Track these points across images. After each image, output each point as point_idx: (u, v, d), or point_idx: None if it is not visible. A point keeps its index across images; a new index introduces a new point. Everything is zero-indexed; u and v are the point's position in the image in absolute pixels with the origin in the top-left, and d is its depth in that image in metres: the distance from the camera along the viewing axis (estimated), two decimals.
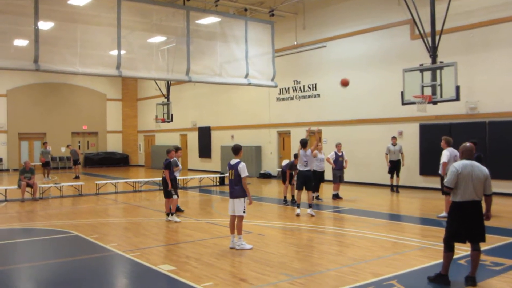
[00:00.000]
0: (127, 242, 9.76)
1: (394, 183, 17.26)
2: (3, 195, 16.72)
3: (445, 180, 6.67)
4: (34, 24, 14.48)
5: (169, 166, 12.13)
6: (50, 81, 33.47)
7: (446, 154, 11.34)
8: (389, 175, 17.34)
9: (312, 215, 12.40)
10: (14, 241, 10.46)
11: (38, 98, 33.38)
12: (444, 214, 11.85)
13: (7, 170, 31.71)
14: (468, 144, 6.77)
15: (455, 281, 6.60)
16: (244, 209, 8.89)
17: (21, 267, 8.15)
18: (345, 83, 14.73)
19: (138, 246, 9.32)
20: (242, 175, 8.78)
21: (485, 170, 6.55)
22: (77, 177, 24.81)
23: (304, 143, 12.80)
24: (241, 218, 8.92)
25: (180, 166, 13.52)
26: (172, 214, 12.05)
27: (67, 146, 28.07)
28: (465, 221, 6.50)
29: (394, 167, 17.08)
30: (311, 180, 12.85)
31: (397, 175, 17.18)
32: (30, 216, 13.42)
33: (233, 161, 9.00)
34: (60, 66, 15.31)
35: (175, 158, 12.84)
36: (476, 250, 6.56)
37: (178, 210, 13.15)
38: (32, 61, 14.46)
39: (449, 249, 6.60)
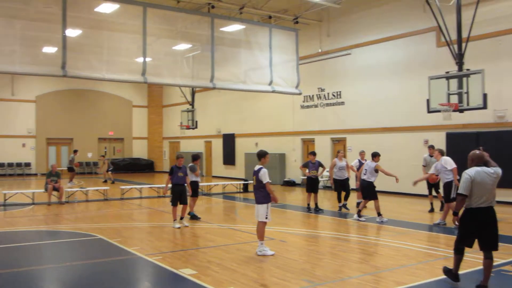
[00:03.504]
0: (149, 246, 9.83)
1: (435, 198, 14.64)
2: (31, 198, 17.02)
3: (459, 188, 6.63)
4: (62, 31, 14.77)
5: (171, 172, 12.21)
6: (77, 88, 34.07)
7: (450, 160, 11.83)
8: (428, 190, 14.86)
9: (382, 222, 12.57)
10: (40, 242, 10.64)
11: (65, 104, 34.01)
12: (439, 221, 12.02)
13: (35, 174, 32.29)
14: (477, 151, 6.79)
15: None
16: (267, 215, 8.87)
17: (46, 268, 8.26)
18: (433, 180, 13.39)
19: (161, 250, 9.38)
20: (264, 181, 8.77)
21: (497, 169, 6.64)
22: (106, 182, 25.59)
23: (373, 155, 13.34)
24: (263, 223, 8.90)
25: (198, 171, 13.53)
26: (174, 221, 12.09)
27: (103, 157, 28.65)
28: (475, 228, 6.55)
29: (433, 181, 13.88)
30: (368, 190, 13.06)
31: (437, 191, 14.48)
32: (56, 219, 13.63)
33: (256, 167, 9.01)
34: (86, 72, 15.57)
35: (192, 164, 12.95)
36: (488, 258, 6.53)
37: (194, 217, 13.14)
38: (59, 67, 14.74)
39: (458, 252, 6.80)
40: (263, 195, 8.84)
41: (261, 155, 9.08)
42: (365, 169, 13.13)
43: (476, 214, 6.51)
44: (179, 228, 11.80)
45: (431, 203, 14.65)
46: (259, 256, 8.68)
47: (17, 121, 32.36)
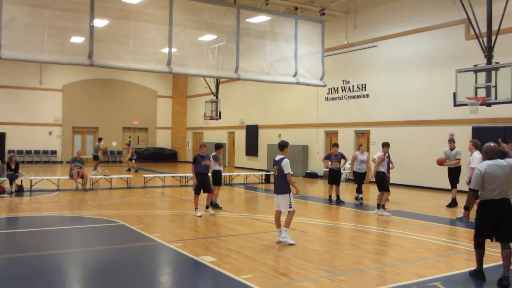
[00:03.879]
0: (171, 233, 9.93)
1: (454, 195, 14.39)
2: (56, 185, 17.34)
3: (470, 183, 6.69)
4: (90, 21, 14.93)
5: (194, 161, 12.28)
6: (103, 77, 34.51)
7: (478, 157, 11.18)
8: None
9: (382, 215, 12.38)
10: (64, 227, 10.86)
11: (91, 94, 34.46)
12: (462, 215, 11.75)
13: (61, 162, 32.85)
14: (492, 144, 6.78)
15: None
16: (291, 204, 8.88)
17: (69, 252, 8.43)
18: (441, 162, 13.92)
19: (182, 237, 9.47)
20: (285, 172, 8.78)
21: (509, 161, 6.60)
22: (130, 170, 26.00)
23: (383, 145, 13.29)
24: (291, 213, 8.94)
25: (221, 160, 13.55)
26: (196, 209, 12.20)
27: (128, 145, 28.91)
28: (492, 219, 6.55)
29: (451, 175, 14.31)
30: (380, 182, 12.79)
31: (454, 185, 14.30)
32: (80, 205, 13.86)
33: (278, 157, 9.03)
34: (113, 62, 15.70)
35: (215, 153, 12.98)
36: (506, 248, 6.51)
37: (216, 207, 13.20)
38: (86, 57, 14.92)
39: (478, 246, 6.71)
40: (284, 185, 8.85)
41: (284, 145, 9.11)
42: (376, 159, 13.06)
43: (491, 206, 6.56)
44: (200, 216, 11.88)
45: (452, 198, 14.37)
46: (278, 246, 8.70)
47: (44, 110, 32.92)
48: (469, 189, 6.73)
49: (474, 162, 11.39)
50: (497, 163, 6.57)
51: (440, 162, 13.85)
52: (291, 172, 8.98)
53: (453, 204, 14.29)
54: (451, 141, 14.63)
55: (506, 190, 6.51)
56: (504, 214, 6.51)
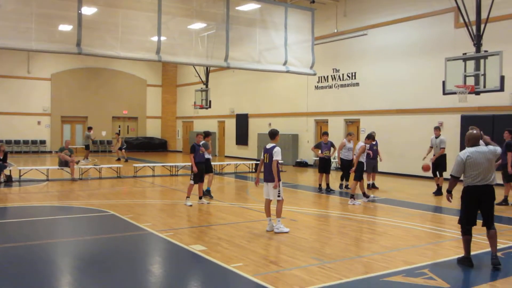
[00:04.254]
0: (161, 222, 9.93)
1: (439, 183, 14.47)
2: (45, 175, 17.24)
3: (452, 170, 6.90)
4: (78, 8, 14.76)
5: (193, 150, 12.20)
6: (92, 66, 34.25)
7: None
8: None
9: (354, 204, 12.32)
10: (53, 217, 10.82)
11: (80, 83, 34.19)
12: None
13: (50, 152, 32.64)
14: (474, 131, 6.98)
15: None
16: (279, 193, 8.90)
17: (58, 242, 8.40)
18: (426, 169, 13.97)
19: (172, 226, 9.46)
20: (274, 158, 8.78)
21: (494, 148, 6.84)
22: (119, 160, 25.87)
23: (367, 136, 13.37)
24: (280, 202, 8.96)
25: (210, 148, 13.51)
26: (187, 198, 12.13)
27: (117, 134, 28.62)
28: (474, 205, 6.77)
29: (436, 163, 14.37)
30: (357, 169, 12.72)
31: (440, 174, 14.41)
32: (69, 195, 13.80)
33: (269, 145, 9.04)
34: (101, 50, 15.56)
35: (204, 141, 12.89)
36: (492, 228, 6.72)
37: (209, 194, 13.19)
38: (75, 45, 14.78)
39: (465, 233, 6.85)
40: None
41: (275, 133, 9.13)
42: (357, 150, 13.02)
43: (473, 192, 6.75)
44: (191, 205, 11.85)
45: (437, 185, 14.53)
46: (268, 234, 8.73)
47: (32, 99, 32.65)
48: (450, 175, 6.93)
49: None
50: (478, 150, 6.75)
51: (426, 168, 13.81)
52: (281, 161, 8.98)
53: (439, 192, 14.39)
54: (437, 128, 14.85)
55: (488, 176, 6.67)
56: (485, 199, 6.72)
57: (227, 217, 10.61)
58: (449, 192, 7.08)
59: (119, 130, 34.87)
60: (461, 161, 6.74)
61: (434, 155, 14.51)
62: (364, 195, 12.99)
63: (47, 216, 10.92)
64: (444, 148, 14.33)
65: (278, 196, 8.91)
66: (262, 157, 9.15)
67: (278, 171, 8.86)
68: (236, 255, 7.26)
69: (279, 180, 8.88)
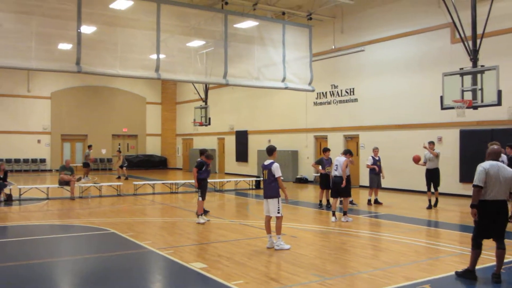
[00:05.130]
0: (161, 240, 9.91)
1: (431, 198, 14.88)
2: (45, 193, 17.22)
3: (474, 180, 6.77)
4: (77, 27, 14.89)
5: (201, 166, 12.18)
6: (92, 84, 34.39)
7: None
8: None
9: (347, 221, 12.19)
10: (53, 236, 10.77)
11: (80, 101, 34.30)
12: None
13: (50, 170, 32.63)
14: (496, 146, 7.06)
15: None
16: (279, 210, 8.91)
17: (59, 261, 8.37)
18: (416, 160, 14.82)
19: (172, 244, 9.45)
20: (276, 175, 8.82)
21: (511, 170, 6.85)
22: (119, 178, 25.88)
23: (345, 152, 13.13)
24: (279, 218, 8.96)
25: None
26: (198, 216, 12.10)
27: (119, 152, 28.63)
28: (492, 220, 6.74)
29: (431, 177, 14.79)
30: (344, 186, 12.59)
31: (435, 188, 14.81)
32: (69, 214, 13.78)
33: (267, 162, 9.06)
34: (101, 68, 15.68)
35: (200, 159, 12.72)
36: (501, 248, 6.73)
37: (205, 211, 13.13)
38: (74, 63, 14.88)
39: (476, 246, 6.84)
40: (274, 189, 8.89)
41: (272, 150, 9.16)
42: (336, 165, 12.74)
43: (489, 206, 6.71)
44: (203, 223, 11.79)
45: (429, 200, 14.83)
46: (268, 251, 8.71)
47: (32, 118, 32.72)
48: (473, 185, 6.77)
49: None
50: (499, 165, 6.78)
51: (417, 159, 14.64)
52: (281, 175, 9.00)
53: (432, 206, 14.77)
54: (431, 143, 15.15)
55: (502, 192, 6.70)
56: (502, 214, 6.74)
57: (227, 234, 10.59)
58: (474, 206, 6.72)
59: (120, 148, 34.87)
60: (483, 171, 6.69)
61: (427, 168, 14.96)
62: (345, 213, 12.57)
63: (47, 235, 10.88)
64: (438, 153, 14.95)
65: (278, 212, 8.91)
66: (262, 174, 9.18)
67: (283, 186, 8.93)
68: (237, 272, 7.24)
69: (279, 196, 8.89)
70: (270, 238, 9.03)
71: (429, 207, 14.72)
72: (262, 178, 9.21)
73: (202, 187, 12.15)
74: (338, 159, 12.82)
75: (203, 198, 12.13)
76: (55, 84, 33.30)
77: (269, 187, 8.95)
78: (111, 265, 8.00)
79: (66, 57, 15.36)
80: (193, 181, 12.51)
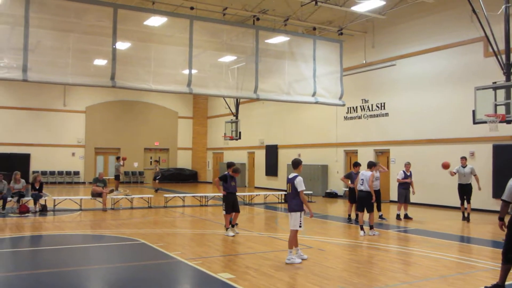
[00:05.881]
0: (190, 251, 10.04)
1: (466, 209, 15.26)
2: (78, 205, 17.63)
3: (503, 194, 6.74)
4: (112, 44, 15.34)
5: (224, 178, 12.27)
6: (125, 99, 35.11)
7: None
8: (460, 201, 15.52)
9: (374, 235, 12.13)
10: (86, 245, 11.05)
11: (114, 115, 35.04)
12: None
13: (83, 183, 33.33)
14: None
15: None
16: (301, 223, 8.88)
17: (91, 269, 8.58)
18: (446, 166, 15.01)
19: (201, 255, 9.57)
20: (299, 189, 8.82)
21: None
22: (156, 190, 26.24)
23: (369, 165, 12.94)
24: (295, 232, 8.92)
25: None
26: (227, 229, 12.16)
27: (156, 162, 29.15)
28: None
29: (464, 191, 15.20)
30: (369, 201, 12.57)
31: (468, 201, 15.15)
32: (101, 225, 14.07)
33: (291, 175, 9.10)
34: (134, 83, 16.07)
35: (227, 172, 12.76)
36: None
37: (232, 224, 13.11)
38: (109, 78, 15.31)
39: (507, 261, 6.73)
40: (297, 203, 8.87)
41: (298, 163, 9.19)
42: (362, 179, 12.60)
43: None
44: (233, 236, 11.83)
45: (463, 213, 15.32)
46: (296, 264, 8.72)
47: (67, 131, 33.55)
48: (502, 199, 6.80)
49: None
50: None
51: (446, 165, 14.74)
52: (304, 188, 9.02)
53: (466, 218, 15.15)
54: (463, 158, 15.49)
55: None
56: None
57: (255, 246, 10.66)
58: (502, 219, 6.89)
59: (159, 158, 35.09)
60: None
61: (459, 183, 15.33)
62: (362, 228, 12.46)
63: (79, 244, 11.16)
64: (476, 175, 15.22)
65: (300, 226, 8.86)
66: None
67: (305, 200, 8.91)
68: (264, 284, 7.30)
69: (302, 210, 8.86)
70: (298, 251, 9.03)
71: (463, 218, 15.22)
72: (286, 192, 9.18)
73: (226, 200, 12.20)
74: (364, 173, 12.75)
75: (227, 212, 12.15)
76: (90, 99, 34.15)
77: (292, 200, 8.93)
78: (141, 275, 8.16)
79: (101, 72, 15.84)
80: (221, 194, 12.56)
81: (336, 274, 7.95)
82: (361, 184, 12.59)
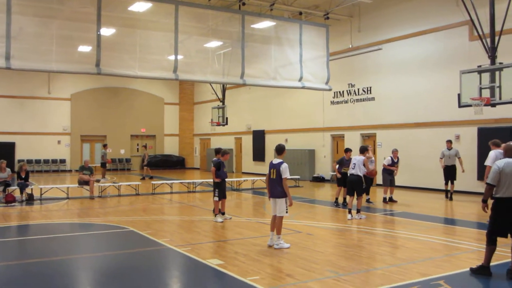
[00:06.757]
0: (179, 237, 10.06)
1: (449, 189, 16.28)
2: (65, 193, 17.54)
3: (488, 178, 6.89)
4: (97, 30, 15.12)
5: (219, 166, 12.31)
6: (110, 86, 34.83)
7: (492, 156, 11.16)
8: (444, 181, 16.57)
9: (361, 218, 12.26)
10: (74, 234, 11.03)
11: (99, 102, 34.76)
12: None
13: (70, 170, 33.12)
14: (511, 143, 7.07)
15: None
16: (287, 209, 8.91)
17: (79, 258, 8.57)
18: (372, 174, 14.80)
19: (190, 241, 9.59)
20: (283, 176, 8.80)
21: None
22: (143, 178, 26.07)
23: (361, 150, 13.07)
24: (281, 217, 8.94)
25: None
26: (215, 215, 12.21)
27: (144, 147, 28.93)
28: (507, 217, 6.75)
29: (449, 172, 16.18)
30: (360, 185, 12.69)
31: (452, 182, 16.16)
32: (89, 213, 14.03)
33: (276, 161, 9.05)
34: (120, 70, 15.88)
35: (216, 158, 12.79)
36: None
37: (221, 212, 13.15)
38: (94, 65, 15.12)
39: (491, 243, 6.88)
40: (282, 189, 8.83)
41: (282, 149, 9.13)
42: (354, 163, 12.72)
43: (506, 204, 6.74)
44: (222, 222, 11.89)
45: (446, 192, 16.42)
46: (284, 248, 8.78)
47: (53, 119, 33.25)
48: (486, 183, 6.94)
49: (488, 160, 11.44)
50: None
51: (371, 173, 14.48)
52: (289, 176, 9.03)
53: (450, 197, 16.28)
54: (449, 141, 16.30)
55: None
56: None
57: (244, 232, 10.71)
58: (485, 201, 7.06)
59: (146, 144, 34.94)
60: (498, 169, 6.78)
61: (445, 165, 16.21)
62: (349, 211, 12.62)
63: (67, 233, 11.13)
64: (460, 157, 16.18)
65: (286, 212, 8.89)
66: (268, 172, 9.13)
67: (287, 188, 8.86)
68: (253, 269, 7.35)
69: (286, 196, 8.85)
70: (272, 236, 9.01)
71: (447, 197, 16.34)
72: (269, 177, 9.05)
73: (219, 187, 12.22)
74: (356, 157, 12.86)
75: (220, 198, 12.18)
76: (75, 86, 33.82)
77: (277, 186, 8.87)
78: (130, 262, 8.17)
79: (86, 59, 15.61)
80: (210, 180, 12.60)
81: (325, 258, 8.03)
82: (353, 168, 12.69)
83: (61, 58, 15.15)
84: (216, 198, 12.17)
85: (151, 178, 25.88)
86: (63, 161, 33.49)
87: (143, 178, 25.91)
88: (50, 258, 8.37)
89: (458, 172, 16.22)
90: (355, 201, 12.70)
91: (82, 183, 17.74)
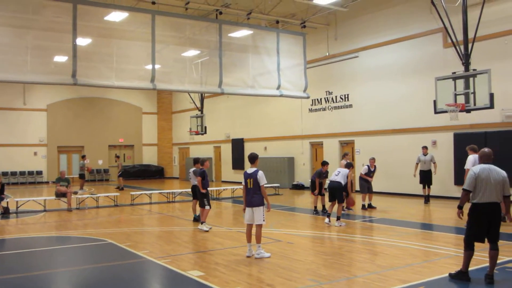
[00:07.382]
0: (159, 249, 9.96)
1: (427, 193, 16.81)
2: (42, 205, 17.26)
3: (464, 183, 6.98)
4: (72, 40, 14.98)
5: (203, 175, 12.29)
6: (87, 96, 34.52)
7: (471, 160, 11.49)
8: (421, 186, 16.95)
9: (341, 226, 12.31)
10: (51, 248, 10.83)
11: (76, 112, 34.39)
12: None
13: (47, 182, 32.64)
14: (486, 149, 7.17)
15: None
16: (264, 218, 8.92)
17: (57, 272, 8.42)
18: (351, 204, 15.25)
19: (170, 253, 9.51)
20: (261, 183, 8.83)
21: (503, 172, 6.90)
22: (118, 188, 25.70)
23: (348, 165, 13.46)
24: (260, 226, 8.94)
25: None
26: (202, 223, 12.18)
27: (117, 157, 28.49)
28: (484, 222, 6.82)
29: (425, 177, 16.71)
30: (340, 192, 12.76)
31: (428, 186, 16.74)
32: (67, 225, 13.81)
33: (250, 170, 9.04)
34: (96, 80, 15.77)
35: (195, 168, 13.02)
36: (494, 249, 6.83)
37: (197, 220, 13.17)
38: (70, 76, 14.96)
39: (469, 248, 6.95)
40: (259, 198, 8.86)
41: (255, 157, 9.12)
42: (338, 171, 12.88)
43: (482, 210, 6.81)
44: (207, 231, 11.90)
45: (425, 196, 16.83)
46: (267, 258, 8.75)
47: (29, 130, 32.78)
48: (463, 189, 7.01)
49: (468, 164, 11.66)
50: (490, 168, 6.87)
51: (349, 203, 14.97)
52: (266, 183, 9.06)
53: (427, 200, 16.78)
54: (424, 147, 16.79)
55: (494, 195, 6.78)
56: (494, 216, 6.81)
57: (224, 242, 10.66)
58: (460, 208, 7.10)
59: (116, 154, 34.68)
60: (473, 175, 6.83)
61: (421, 170, 16.71)
62: (328, 216, 12.91)
63: (45, 247, 10.93)
64: (435, 162, 16.75)
65: (263, 220, 8.89)
66: (244, 183, 9.09)
67: (266, 194, 8.94)
68: (234, 280, 7.31)
69: (264, 204, 8.88)
70: (250, 247, 9.01)
71: (425, 201, 16.73)
72: (246, 187, 9.03)
73: (207, 196, 12.28)
74: (342, 169, 13.00)
75: (209, 207, 12.26)
76: (51, 97, 33.41)
77: (254, 195, 8.87)
78: (109, 276, 8.06)
79: (62, 70, 15.44)
80: (189, 189, 12.57)
81: (305, 267, 8.03)
82: (336, 175, 12.77)
83: (37, 69, 14.98)
84: (208, 207, 12.18)
85: (122, 189, 25.43)
86: (39, 173, 33.01)
87: (118, 188, 25.51)
88: (27, 273, 8.20)
89: (435, 176, 16.79)
90: (335, 208, 12.75)
91: (60, 195, 17.47)
